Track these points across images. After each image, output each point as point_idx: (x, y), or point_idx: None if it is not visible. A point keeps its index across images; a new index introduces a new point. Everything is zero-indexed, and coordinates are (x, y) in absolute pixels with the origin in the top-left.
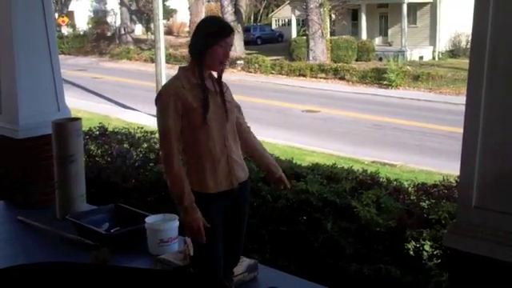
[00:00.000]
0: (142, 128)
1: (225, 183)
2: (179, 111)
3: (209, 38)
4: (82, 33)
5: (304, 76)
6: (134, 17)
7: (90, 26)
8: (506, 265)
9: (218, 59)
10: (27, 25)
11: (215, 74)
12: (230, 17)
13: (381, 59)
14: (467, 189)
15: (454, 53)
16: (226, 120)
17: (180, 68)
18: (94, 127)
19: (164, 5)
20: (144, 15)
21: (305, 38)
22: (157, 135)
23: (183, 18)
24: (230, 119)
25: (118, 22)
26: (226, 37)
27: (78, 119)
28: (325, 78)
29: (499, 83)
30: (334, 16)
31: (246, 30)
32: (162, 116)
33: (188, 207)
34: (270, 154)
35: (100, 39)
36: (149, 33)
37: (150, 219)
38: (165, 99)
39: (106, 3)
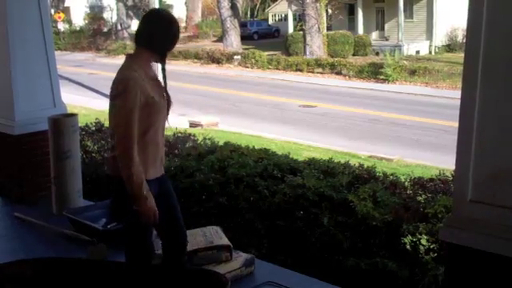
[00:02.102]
0: None
1: (159, 169)
2: (141, 104)
3: (174, 39)
4: (78, 29)
5: (301, 71)
6: (130, 12)
7: (87, 21)
8: (502, 258)
9: (171, 49)
10: (22, 21)
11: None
12: (226, 12)
13: (377, 54)
14: (463, 183)
15: (450, 47)
16: (167, 110)
17: (131, 58)
18: (91, 123)
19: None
20: (140, 11)
21: (301, 32)
22: None
23: (179, 13)
24: (169, 110)
25: (115, 18)
26: (179, 32)
27: (74, 115)
28: (321, 73)
29: (494, 78)
30: (330, 11)
31: (243, 26)
32: (125, 111)
33: (147, 195)
34: None
35: (96, 35)
36: None
37: None
38: (130, 93)
39: None
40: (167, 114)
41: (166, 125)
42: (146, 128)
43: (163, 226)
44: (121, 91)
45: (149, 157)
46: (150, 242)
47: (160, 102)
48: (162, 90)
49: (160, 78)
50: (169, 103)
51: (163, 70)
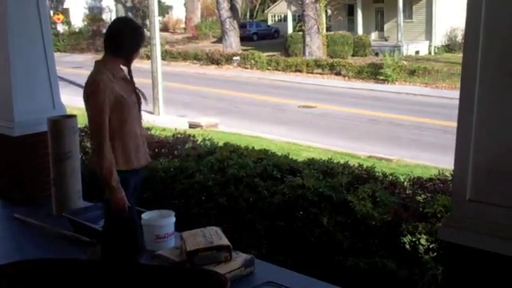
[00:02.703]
0: None
1: (143, 159)
2: (111, 104)
3: (139, 43)
4: (77, 30)
5: (300, 72)
6: (129, 13)
7: (86, 23)
8: (500, 257)
9: (138, 52)
10: (22, 22)
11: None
12: (225, 13)
13: (377, 54)
14: (461, 182)
15: (449, 47)
16: (139, 106)
17: (100, 62)
18: None
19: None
20: (139, 12)
21: (301, 33)
22: (152, 131)
23: (179, 14)
24: (141, 105)
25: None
26: (145, 36)
27: (73, 116)
28: (321, 74)
29: (492, 78)
30: (329, 11)
31: (242, 26)
32: (97, 110)
33: (116, 187)
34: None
35: (95, 36)
36: (145, 29)
37: (146, 215)
38: (99, 94)
39: (101, 0)
40: (139, 109)
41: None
42: (121, 122)
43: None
44: (91, 93)
45: (130, 147)
46: (136, 222)
47: (130, 98)
48: (132, 88)
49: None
50: (139, 100)
51: (129, 72)
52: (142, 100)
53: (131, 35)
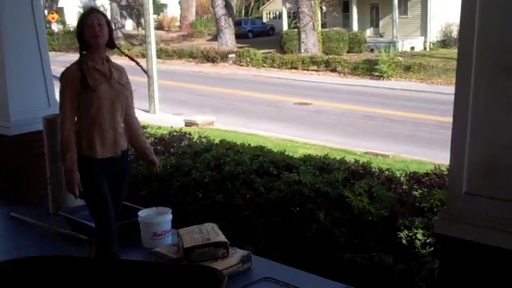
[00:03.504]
0: None
1: (111, 151)
2: (76, 90)
3: (79, 27)
4: (71, 29)
5: (296, 68)
6: (124, 12)
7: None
8: (496, 250)
9: (90, 36)
10: (16, 22)
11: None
12: (220, 11)
13: (372, 50)
14: (457, 176)
15: (445, 43)
16: (117, 99)
17: (81, 54)
18: None
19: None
20: (134, 10)
21: (296, 30)
22: (148, 129)
23: (174, 12)
24: (120, 99)
25: (109, 18)
26: (87, 19)
27: None
28: (316, 71)
29: (487, 73)
30: (324, 8)
31: (237, 24)
32: (61, 93)
33: (69, 170)
34: (146, 140)
35: None
36: (139, 28)
37: (143, 213)
38: (65, 79)
39: None
40: (117, 100)
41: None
42: (86, 110)
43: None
44: (60, 79)
45: (94, 135)
46: (108, 207)
47: (98, 88)
48: (107, 80)
49: (108, 69)
50: (117, 92)
51: (109, 68)
52: (119, 93)
53: (78, 26)
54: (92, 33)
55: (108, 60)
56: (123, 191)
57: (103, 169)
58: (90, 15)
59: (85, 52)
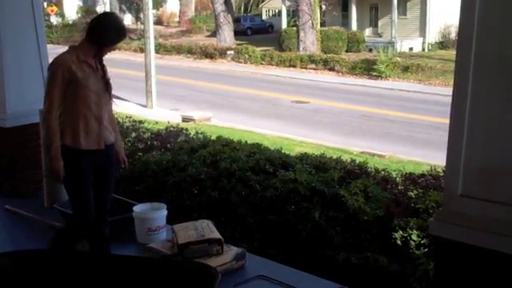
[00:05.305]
0: (130, 117)
1: (95, 143)
2: (65, 79)
3: (116, 38)
4: (71, 22)
5: (294, 67)
6: (123, 6)
7: (79, 15)
8: (491, 252)
9: (109, 50)
10: (14, 13)
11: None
12: (220, 7)
13: (371, 50)
14: (453, 177)
15: (443, 44)
16: (104, 93)
17: (71, 46)
18: None
19: None
20: (134, 5)
21: (295, 28)
22: (145, 124)
23: (173, 7)
24: (108, 93)
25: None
26: (121, 39)
27: None
28: (315, 69)
29: (485, 75)
30: (324, 7)
31: (237, 21)
32: (50, 81)
33: (55, 157)
34: (120, 137)
35: None
36: (138, 23)
37: (138, 208)
38: (55, 68)
39: None
40: (107, 96)
41: (114, 107)
42: (72, 100)
43: (94, 194)
44: (50, 65)
45: (79, 126)
46: (88, 198)
47: (88, 82)
48: (95, 74)
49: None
50: (107, 88)
51: (100, 61)
52: (108, 88)
53: (115, 31)
54: (112, 50)
55: (95, 55)
56: (110, 184)
57: (87, 160)
58: (124, 38)
59: (78, 45)
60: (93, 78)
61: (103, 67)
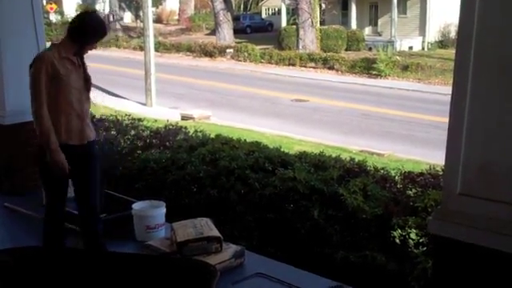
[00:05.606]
0: (129, 115)
1: (76, 139)
2: (49, 76)
3: (96, 36)
4: (70, 20)
5: (293, 65)
6: (123, 4)
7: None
8: (490, 251)
9: (90, 48)
10: (14, 11)
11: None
12: (219, 5)
13: (370, 49)
14: (452, 176)
15: (443, 43)
16: (85, 89)
17: (53, 43)
18: None
19: None
20: (133, 3)
21: (294, 27)
22: (144, 122)
23: (172, 5)
24: (88, 89)
25: (107, 10)
26: (102, 37)
27: None
28: (314, 68)
29: (484, 74)
30: (323, 5)
31: (236, 19)
32: (35, 80)
33: (54, 149)
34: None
35: None
36: (138, 20)
37: (137, 206)
38: (39, 65)
39: None
40: (86, 92)
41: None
42: (55, 95)
43: (78, 191)
44: (33, 62)
45: (61, 121)
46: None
47: (69, 79)
48: (77, 70)
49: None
50: (87, 84)
51: (81, 59)
52: (88, 84)
53: (94, 30)
54: (93, 48)
55: (76, 53)
56: (92, 181)
57: (67, 155)
58: (104, 36)
59: (59, 43)
60: (74, 75)
61: (84, 64)
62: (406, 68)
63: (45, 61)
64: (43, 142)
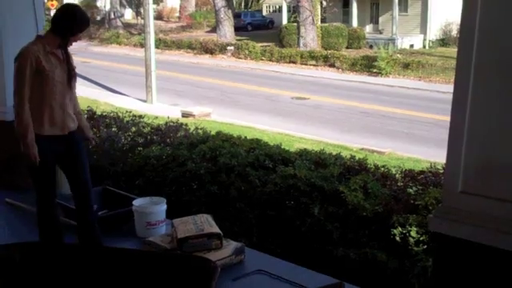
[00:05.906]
0: (130, 112)
1: (58, 129)
2: (33, 70)
3: (78, 28)
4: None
5: (294, 63)
6: (123, 1)
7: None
8: (490, 249)
9: (74, 40)
10: (15, 8)
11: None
12: (220, 2)
13: (371, 47)
14: (453, 174)
15: (444, 41)
16: (68, 83)
17: (37, 36)
18: (83, 111)
19: None
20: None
21: (295, 24)
22: (145, 119)
23: (173, 2)
24: (72, 82)
25: (108, 7)
26: (83, 30)
27: None
28: (315, 65)
29: (486, 73)
30: (324, 3)
31: (237, 16)
32: (19, 75)
33: (29, 143)
34: (85, 119)
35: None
36: (139, 17)
37: (138, 202)
38: (23, 60)
39: None
40: (70, 85)
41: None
42: (39, 89)
43: (70, 183)
44: (17, 56)
45: (44, 115)
46: (49, 181)
47: (54, 73)
48: (61, 65)
49: (61, 55)
50: (70, 77)
51: (66, 52)
52: (71, 78)
53: (76, 22)
54: (77, 39)
55: (60, 46)
56: (79, 171)
57: (50, 147)
58: (86, 27)
59: (43, 36)
60: (59, 70)
61: (68, 56)
62: (406, 66)
63: (29, 56)
64: (20, 134)
